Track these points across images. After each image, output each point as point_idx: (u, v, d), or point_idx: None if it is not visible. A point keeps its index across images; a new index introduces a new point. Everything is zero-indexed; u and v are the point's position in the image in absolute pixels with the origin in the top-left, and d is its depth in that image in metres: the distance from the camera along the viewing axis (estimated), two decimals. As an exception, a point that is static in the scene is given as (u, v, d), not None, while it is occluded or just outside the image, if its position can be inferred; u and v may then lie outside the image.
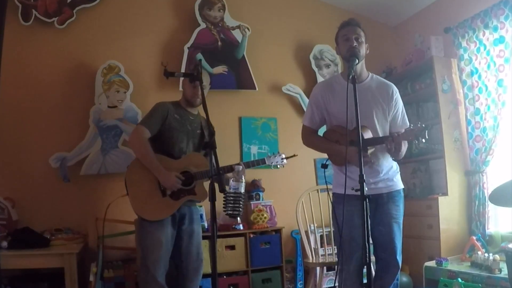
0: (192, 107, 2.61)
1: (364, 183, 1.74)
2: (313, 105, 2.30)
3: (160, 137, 2.47)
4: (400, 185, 2.26)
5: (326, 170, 2.22)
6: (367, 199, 1.73)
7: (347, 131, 2.13)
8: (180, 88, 3.52)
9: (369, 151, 2.08)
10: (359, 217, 2.08)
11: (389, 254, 2.14)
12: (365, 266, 1.73)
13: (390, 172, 2.22)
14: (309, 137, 2.34)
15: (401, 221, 2.20)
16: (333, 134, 2.23)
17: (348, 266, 2.16)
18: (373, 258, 2.25)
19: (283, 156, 2.63)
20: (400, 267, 2.19)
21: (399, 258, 2.16)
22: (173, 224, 2.44)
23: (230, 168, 2.49)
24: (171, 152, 2.49)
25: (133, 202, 2.39)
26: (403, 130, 2.23)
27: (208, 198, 1.82)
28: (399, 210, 2.20)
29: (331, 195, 2.31)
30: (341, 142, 2.18)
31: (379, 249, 2.21)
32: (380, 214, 2.16)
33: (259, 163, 2.61)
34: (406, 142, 2.13)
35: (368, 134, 2.09)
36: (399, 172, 2.30)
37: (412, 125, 2.08)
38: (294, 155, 2.75)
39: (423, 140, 1.99)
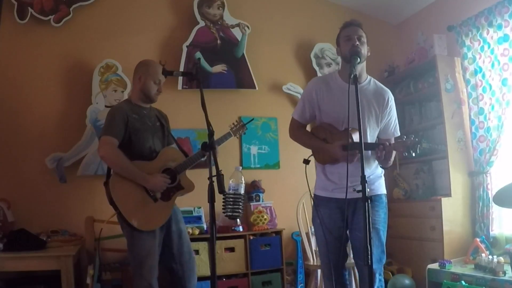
0: (150, 103, 2.52)
1: (366, 184, 1.72)
2: (306, 100, 2.27)
3: (128, 142, 2.36)
4: (381, 191, 2.21)
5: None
6: (369, 200, 1.70)
7: (336, 131, 2.14)
8: (179, 88, 3.52)
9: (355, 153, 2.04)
10: (336, 221, 2.13)
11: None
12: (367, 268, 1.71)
13: (372, 177, 2.18)
14: (297, 131, 2.32)
15: (381, 227, 2.13)
16: (322, 132, 2.21)
17: (324, 269, 2.17)
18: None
19: (243, 123, 2.67)
20: (378, 274, 2.09)
21: (376, 265, 2.05)
22: (161, 227, 2.39)
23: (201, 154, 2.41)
24: (143, 154, 2.40)
25: (134, 220, 2.28)
26: (392, 139, 2.23)
27: (207, 199, 1.79)
28: (378, 216, 2.13)
29: (311, 194, 2.29)
30: (329, 140, 2.16)
31: (356, 255, 2.17)
32: (357, 219, 2.09)
33: (226, 137, 2.58)
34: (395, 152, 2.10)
35: (355, 137, 2.05)
36: (383, 178, 2.26)
37: (405, 136, 2.05)
38: (252, 119, 2.85)
39: (413, 154, 1.97)
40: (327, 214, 2.17)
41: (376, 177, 2.22)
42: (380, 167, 2.23)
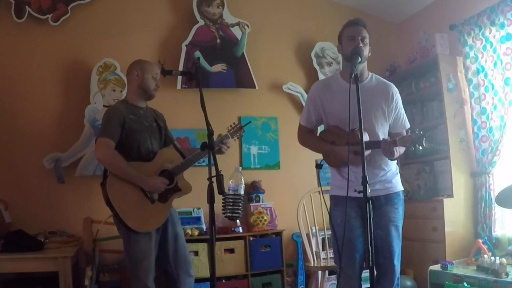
0: (149, 99, 2.51)
1: (367, 185, 1.72)
2: (310, 105, 2.26)
3: (124, 143, 2.34)
4: (399, 187, 2.21)
5: (322, 171, 2.22)
6: (370, 201, 1.71)
7: (344, 132, 2.13)
8: (178, 87, 3.49)
9: (366, 153, 2.02)
10: (356, 220, 2.11)
11: (386, 258, 2.08)
12: (369, 270, 1.71)
13: (388, 174, 2.18)
14: (305, 137, 2.32)
15: (400, 224, 2.14)
16: (330, 135, 2.20)
17: (347, 270, 2.13)
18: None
19: (240, 124, 2.66)
20: (398, 271, 2.12)
21: (397, 262, 2.10)
22: (157, 229, 2.37)
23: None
24: (141, 155, 2.37)
25: (131, 221, 2.25)
26: (404, 132, 2.24)
27: (207, 200, 1.77)
28: (397, 213, 2.14)
29: (325, 196, 2.29)
30: (337, 143, 2.15)
31: (376, 253, 2.13)
32: (378, 217, 2.08)
33: (224, 139, 2.55)
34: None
35: (365, 137, 2.03)
36: (399, 174, 2.25)
37: (410, 131, 2.06)
38: (250, 122, 2.81)
39: (420, 148, 1.98)
40: (347, 214, 2.11)
41: (393, 174, 2.20)
42: (389, 159, 2.20)
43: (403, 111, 2.26)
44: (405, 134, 2.23)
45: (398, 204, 2.16)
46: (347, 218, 2.10)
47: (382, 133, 2.18)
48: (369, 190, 1.73)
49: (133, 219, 2.25)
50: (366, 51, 2.11)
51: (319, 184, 2.26)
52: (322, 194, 2.32)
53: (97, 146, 2.31)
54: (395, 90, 2.23)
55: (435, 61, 3.47)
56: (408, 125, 2.27)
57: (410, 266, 3.50)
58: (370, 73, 2.23)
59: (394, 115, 2.21)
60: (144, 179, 2.29)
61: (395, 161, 2.24)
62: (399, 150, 2.09)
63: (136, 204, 2.29)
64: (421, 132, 1.99)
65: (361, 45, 2.07)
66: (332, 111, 2.18)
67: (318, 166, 2.20)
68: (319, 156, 2.30)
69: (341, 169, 2.19)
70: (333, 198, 2.26)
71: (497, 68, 3.17)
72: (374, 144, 2.07)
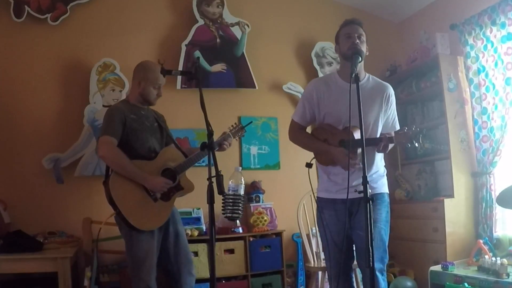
0: (148, 105, 2.53)
1: (367, 185, 1.71)
2: (305, 102, 2.26)
3: (126, 142, 2.35)
4: (383, 189, 2.20)
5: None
6: (370, 201, 1.70)
7: (337, 131, 2.13)
8: (178, 87, 3.48)
9: (358, 152, 2.01)
10: (341, 222, 2.11)
11: (364, 260, 2.04)
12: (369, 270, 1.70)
13: (374, 175, 2.17)
14: (297, 133, 2.30)
15: (382, 226, 2.11)
16: (322, 133, 2.20)
17: (330, 271, 2.16)
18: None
19: (241, 125, 2.67)
20: (380, 274, 2.06)
21: (377, 265, 2.03)
22: (160, 228, 2.38)
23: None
24: (142, 154, 2.39)
25: (133, 219, 2.26)
26: (392, 133, 2.23)
27: (206, 200, 1.77)
28: (380, 214, 2.12)
29: (315, 196, 2.28)
30: (330, 141, 2.15)
31: (358, 255, 2.15)
32: (359, 218, 2.06)
33: (226, 138, 2.57)
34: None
35: (357, 135, 2.03)
36: (386, 177, 2.25)
37: (406, 128, 2.05)
38: (251, 122, 2.78)
39: (416, 144, 1.98)
40: (333, 216, 2.15)
41: (379, 176, 2.20)
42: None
43: (395, 112, 2.26)
44: (392, 135, 2.22)
45: (381, 205, 2.14)
46: (333, 221, 2.14)
47: (376, 133, 2.18)
48: (370, 190, 1.72)
49: (135, 217, 2.25)
50: (364, 49, 2.11)
51: (311, 186, 2.21)
52: (314, 196, 2.30)
53: (100, 144, 2.32)
54: (391, 91, 2.23)
55: (436, 61, 3.46)
56: (398, 127, 2.26)
57: (410, 267, 3.49)
58: (367, 74, 2.23)
59: (387, 115, 2.22)
60: (147, 177, 2.30)
61: (383, 164, 2.25)
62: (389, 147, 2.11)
63: (138, 202, 2.30)
64: (418, 129, 1.99)
65: (357, 42, 2.07)
66: (328, 109, 2.17)
67: (308, 165, 2.16)
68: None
69: (330, 170, 2.18)
70: (319, 200, 2.25)
71: (498, 68, 3.16)
72: (373, 141, 2.07)
